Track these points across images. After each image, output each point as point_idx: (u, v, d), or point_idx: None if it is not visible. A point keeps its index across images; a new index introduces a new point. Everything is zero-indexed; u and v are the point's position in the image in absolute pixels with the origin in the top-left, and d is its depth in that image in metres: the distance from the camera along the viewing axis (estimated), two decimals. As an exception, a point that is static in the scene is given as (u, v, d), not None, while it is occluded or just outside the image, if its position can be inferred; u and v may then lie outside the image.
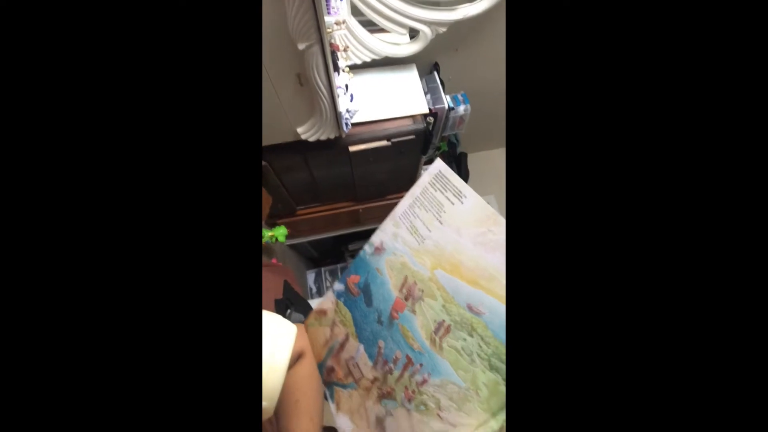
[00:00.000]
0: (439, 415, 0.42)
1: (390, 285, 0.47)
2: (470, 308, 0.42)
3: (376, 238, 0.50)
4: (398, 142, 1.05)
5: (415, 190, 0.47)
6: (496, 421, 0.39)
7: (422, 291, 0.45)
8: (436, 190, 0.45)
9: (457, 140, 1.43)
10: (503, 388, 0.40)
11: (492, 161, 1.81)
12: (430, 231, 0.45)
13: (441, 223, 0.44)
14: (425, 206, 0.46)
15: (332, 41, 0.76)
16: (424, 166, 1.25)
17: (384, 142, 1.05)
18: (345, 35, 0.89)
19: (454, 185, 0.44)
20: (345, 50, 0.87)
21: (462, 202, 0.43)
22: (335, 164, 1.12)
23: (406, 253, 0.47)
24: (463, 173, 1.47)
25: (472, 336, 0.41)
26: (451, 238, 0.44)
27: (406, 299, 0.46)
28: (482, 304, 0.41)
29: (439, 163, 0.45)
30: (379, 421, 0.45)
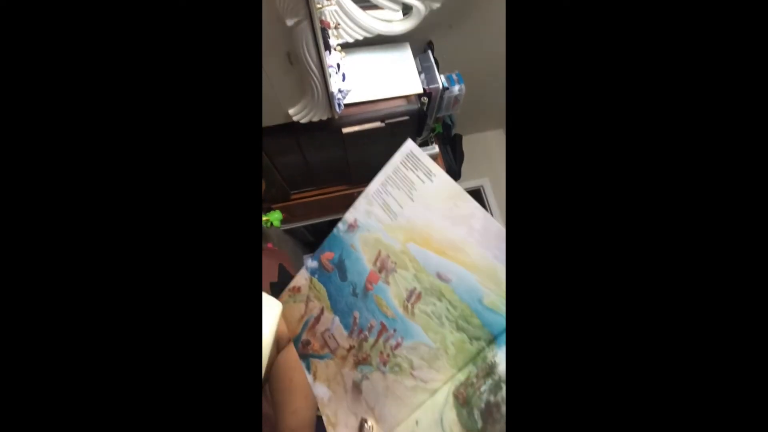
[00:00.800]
0: (412, 374, 0.46)
1: (364, 260, 0.50)
2: (439, 276, 0.46)
3: (349, 216, 0.52)
4: (392, 123, 1.03)
5: (388, 169, 0.50)
6: (462, 374, 0.45)
7: (395, 263, 0.48)
8: (407, 170, 0.49)
9: (452, 122, 1.44)
10: (468, 346, 0.45)
11: (487, 143, 1.80)
12: (402, 207, 0.49)
13: (412, 200, 0.48)
14: (397, 185, 0.49)
15: (322, 18, 0.74)
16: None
17: (378, 124, 1.03)
18: (336, 12, 0.86)
19: (424, 164, 0.48)
20: (336, 28, 0.85)
21: (432, 181, 0.47)
22: (328, 147, 1.09)
23: (379, 229, 0.50)
24: (458, 155, 1.45)
25: (441, 301, 0.46)
26: (421, 213, 0.47)
27: (380, 271, 0.49)
28: (450, 272, 0.45)
29: (410, 144, 0.49)
30: (356, 385, 0.48)
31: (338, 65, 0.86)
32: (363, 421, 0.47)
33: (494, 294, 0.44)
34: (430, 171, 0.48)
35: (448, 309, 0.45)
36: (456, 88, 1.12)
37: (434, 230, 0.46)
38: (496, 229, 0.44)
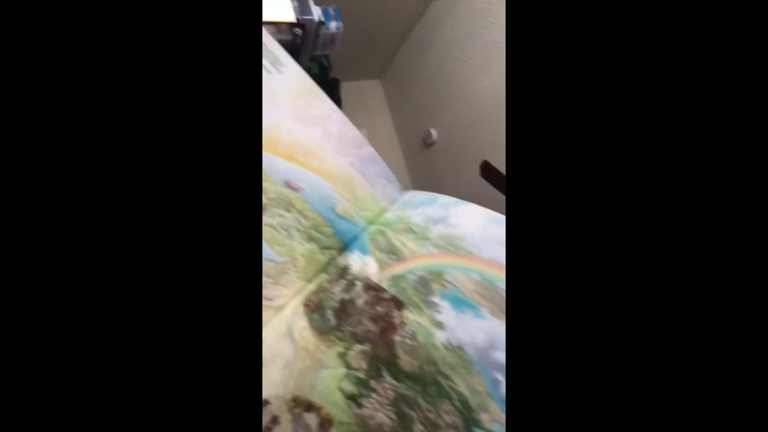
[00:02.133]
0: (254, 293, 0.41)
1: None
2: (288, 185, 0.41)
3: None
4: (260, 50, 0.80)
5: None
6: (312, 285, 0.43)
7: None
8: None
9: (329, 63, 1.23)
10: (319, 256, 0.43)
11: (364, 93, 1.63)
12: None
13: (256, 92, 0.39)
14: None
15: None
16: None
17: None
18: None
19: (271, 52, 0.40)
20: None
21: (281, 72, 0.39)
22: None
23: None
24: (335, 101, 1.29)
25: (290, 212, 0.41)
26: (268, 112, 0.40)
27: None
28: (301, 180, 0.41)
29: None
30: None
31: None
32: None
33: (347, 202, 0.43)
34: (279, 60, 0.40)
35: (298, 220, 0.41)
36: (333, 25, 0.99)
37: (283, 133, 0.40)
38: (353, 134, 0.42)
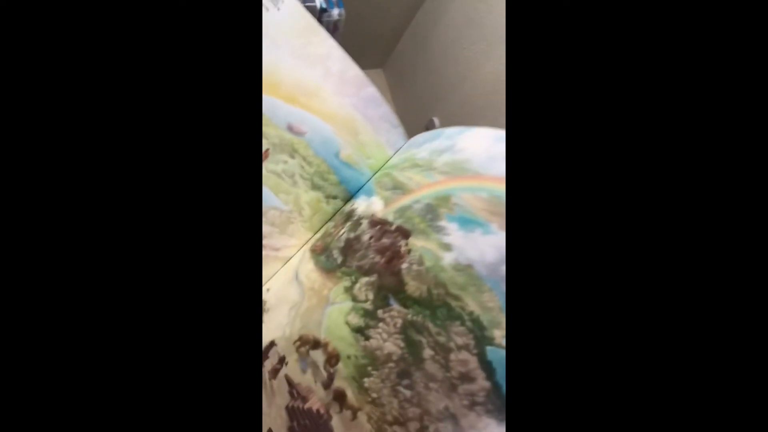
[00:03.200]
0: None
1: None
2: (291, 129, 0.40)
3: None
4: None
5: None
6: (318, 234, 0.42)
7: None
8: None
9: None
10: (325, 206, 0.42)
11: None
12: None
13: (253, 33, 0.38)
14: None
15: None
16: None
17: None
18: None
19: (267, -14, 0.38)
20: None
21: (278, 9, 0.38)
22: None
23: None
24: None
25: (293, 158, 0.40)
26: (267, 51, 0.39)
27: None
28: (303, 123, 0.40)
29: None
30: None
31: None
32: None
33: (351, 147, 0.42)
34: (275, -4, 0.38)
35: (302, 166, 0.40)
36: (335, 12, 0.98)
37: (283, 73, 0.39)
38: (355, 73, 0.40)
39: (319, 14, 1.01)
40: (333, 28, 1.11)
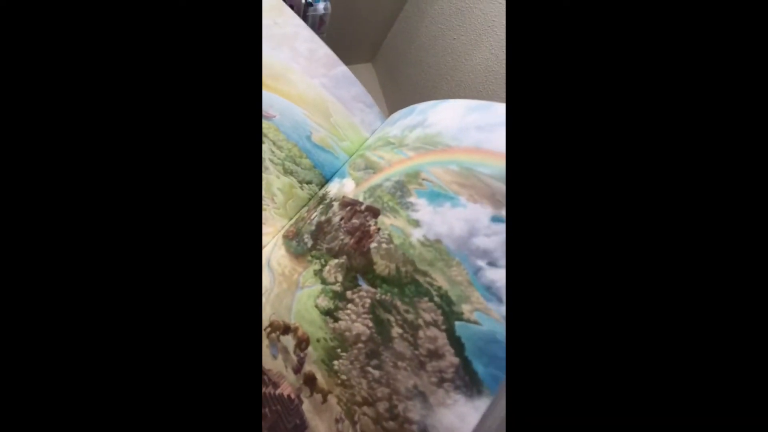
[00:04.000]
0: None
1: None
2: (260, 112, 0.38)
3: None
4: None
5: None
6: (293, 219, 0.41)
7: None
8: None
9: None
10: (299, 191, 0.41)
11: (358, 76, 1.62)
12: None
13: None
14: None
15: None
16: None
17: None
18: None
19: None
20: None
21: (241, -14, 0.37)
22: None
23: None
24: None
25: (263, 142, 0.39)
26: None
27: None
28: (272, 107, 0.39)
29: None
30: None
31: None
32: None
33: (323, 129, 0.40)
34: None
35: (272, 151, 0.39)
36: (321, 6, 0.96)
37: (249, 53, 0.37)
38: (324, 52, 0.39)
39: (305, 8, 0.99)
40: (319, 23, 1.09)
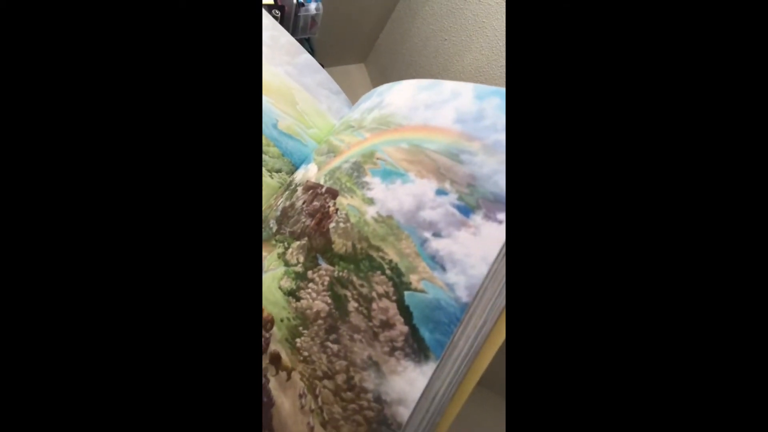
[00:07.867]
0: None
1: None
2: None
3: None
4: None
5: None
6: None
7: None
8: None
9: (311, 48, 1.18)
10: (269, 180, 0.42)
11: (350, 77, 1.59)
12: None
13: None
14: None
15: None
16: None
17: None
18: None
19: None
20: None
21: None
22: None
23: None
24: None
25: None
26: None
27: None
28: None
29: None
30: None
31: None
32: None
33: (290, 117, 0.41)
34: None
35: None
36: (312, 6, 0.94)
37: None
38: (287, 40, 0.40)
39: (296, 9, 0.97)
40: (311, 23, 1.08)
